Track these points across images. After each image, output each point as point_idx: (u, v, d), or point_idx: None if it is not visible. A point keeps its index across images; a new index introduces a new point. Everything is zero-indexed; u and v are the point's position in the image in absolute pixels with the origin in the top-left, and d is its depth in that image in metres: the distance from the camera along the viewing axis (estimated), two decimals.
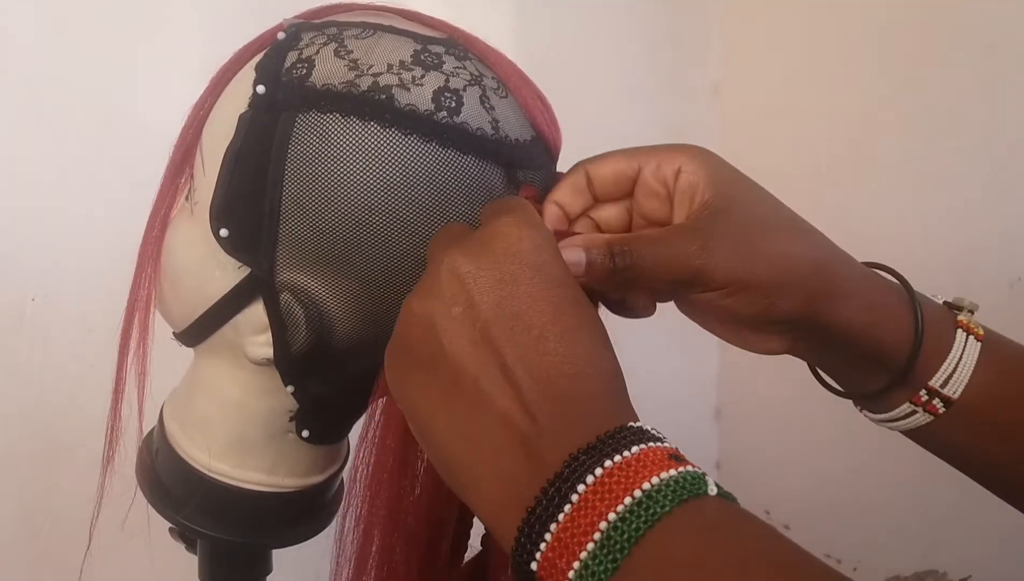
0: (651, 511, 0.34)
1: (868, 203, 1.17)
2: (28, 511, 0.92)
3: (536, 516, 0.36)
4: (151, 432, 0.59)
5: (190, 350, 0.57)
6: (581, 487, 0.35)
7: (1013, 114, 1.01)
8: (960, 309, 0.51)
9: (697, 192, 0.47)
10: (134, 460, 0.60)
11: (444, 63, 0.49)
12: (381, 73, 0.47)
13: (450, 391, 0.40)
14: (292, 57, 0.49)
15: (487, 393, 0.39)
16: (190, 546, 0.60)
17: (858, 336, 0.48)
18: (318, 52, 0.48)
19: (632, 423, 0.38)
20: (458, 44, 0.51)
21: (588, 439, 0.37)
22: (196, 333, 0.53)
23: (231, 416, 0.54)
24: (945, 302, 0.52)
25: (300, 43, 0.49)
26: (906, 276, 0.53)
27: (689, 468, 0.36)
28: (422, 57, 0.48)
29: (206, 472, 0.55)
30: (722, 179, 0.47)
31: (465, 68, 0.49)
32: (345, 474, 0.54)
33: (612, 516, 0.34)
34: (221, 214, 0.49)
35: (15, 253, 0.90)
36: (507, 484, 0.38)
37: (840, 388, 0.53)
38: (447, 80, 0.48)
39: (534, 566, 0.36)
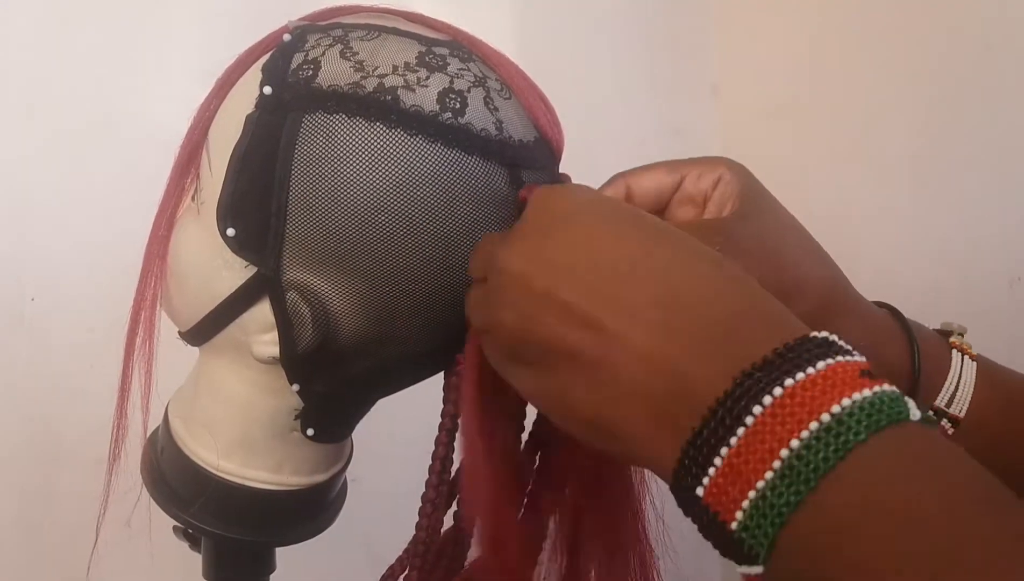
0: (842, 438, 0.30)
1: (868, 203, 1.17)
2: (28, 511, 0.92)
3: (703, 440, 0.32)
4: (156, 431, 0.60)
5: (195, 349, 0.57)
6: (757, 408, 0.31)
7: (1013, 114, 1.01)
8: (950, 333, 0.53)
9: (729, 201, 0.48)
10: (139, 459, 0.60)
11: (448, 65, 0.49)
12: (386, 75, 0.48)
13: (573, 373, 0.37)
14: (298, 58, 0.49)
15: (608, 359, 0.35)
16: (194, 545, 0.60)
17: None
18: (324, 53, 0.49)
19: (815, 334, 0.33)
20: (462, 46, 0.51)
21: (762, 352, 0.32)
22: (202, 332, 0.53)
23: (236, 415, 0.55)
24: (935, 330, 0.54)
25: (306, 45, 0.49)
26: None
27: (886, 388, 0.31)
28: (427, 59, 0.49)
29: (211, 470, 0.55)
30: (753, 193, 0.49)
31: (469, 70, 0.49)
32: None
33: (795, 443, 0.30)
34: (228, 214, 0.49)
35: (15, 253, 0.90)
36: (663, 424, 0.34)
37: None
38: (451, 81, 0.48)
39: (700, 492, 0.32)
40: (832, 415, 0.30)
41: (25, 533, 0.92)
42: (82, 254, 0.92)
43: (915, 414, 0.31)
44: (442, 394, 0.53)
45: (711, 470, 0.32)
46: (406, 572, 0.54)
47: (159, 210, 0.55)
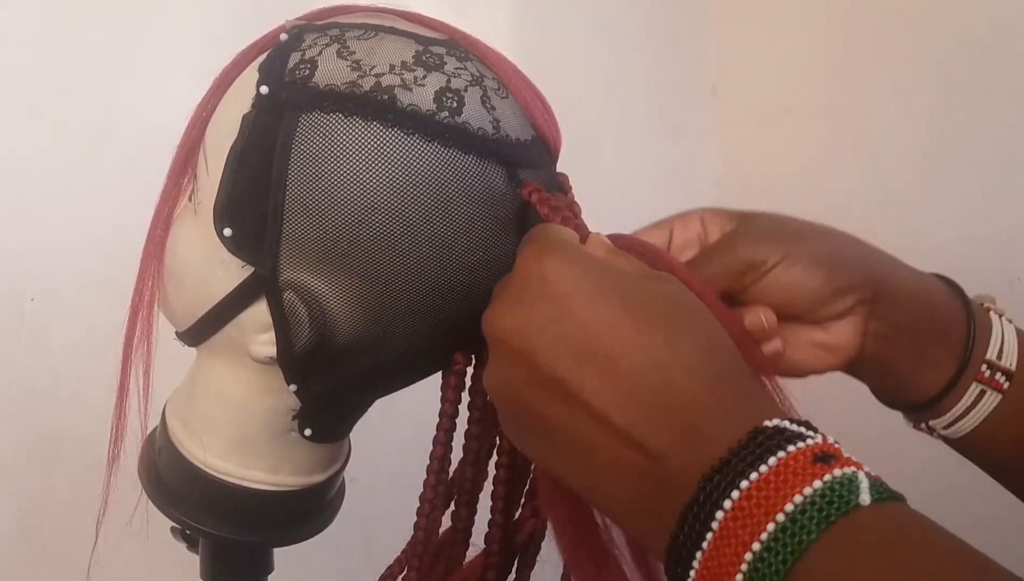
0: (797, 538, 0.31)
1: (867, 203, 1.17)
2: (27, 511, 0.92)
3: (680, 543, 0.34)
4: (154, 431, 0.60)
5: (192, 349, 0.57)
6: (720, 513, 0.33)
7: (1013, 114, 1.01)
8: (982, 302, 0.55)
9: (724, 224, 0.51)
10: (137, 459, 0.60)
11: (445, 64, 0.49)
12: (383, 74, 0.48)
13: (557, 446, 0.38)
14: (295, 58, 0.49)
15: (588, 440, 0.37)
16: (192, 545, 0.60)
17: (919, 304, 0.52)
18: (321, 53, 0.49)
19: (766, 423, 0.34)
20: (459, 45, 0.51)
21: (719, 453, 0.34)
22: (199, 332, 0.53)
23: (233, 415, 0.54)
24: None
25: (303, 44, 0.49)
26: None
27: (836, 472, 0.32)
28: (424, 58, 0.49)
29: (209, 471, 0.55)
30: (739, 214, 0.51)
31: (466, 69, 0.49)
32: None
33: (757, 546, 0.32)
34: (224, 213, 0.49)
35: (15, 252, 0.90)
36: (646, 516, 0.36)
37: (903, 403, 0.55)
38: (448, 81, 0.48)
39: None
40: (786, 514, 0.32)
41: (25, 534, 0.92)
42: (82, 254, 0.92)
43: (864, 499, 0.32)
44: (440, 393, 0.53)
45: (692, 573, 0.33)
46: (404, 572, 0.54)
47: (156, 210, 0.54)
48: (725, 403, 0.36)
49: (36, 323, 0.91)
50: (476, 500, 0.54)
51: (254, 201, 0.48)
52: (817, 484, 0.32)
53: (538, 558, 0.54)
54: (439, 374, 0.53)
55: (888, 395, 0.56)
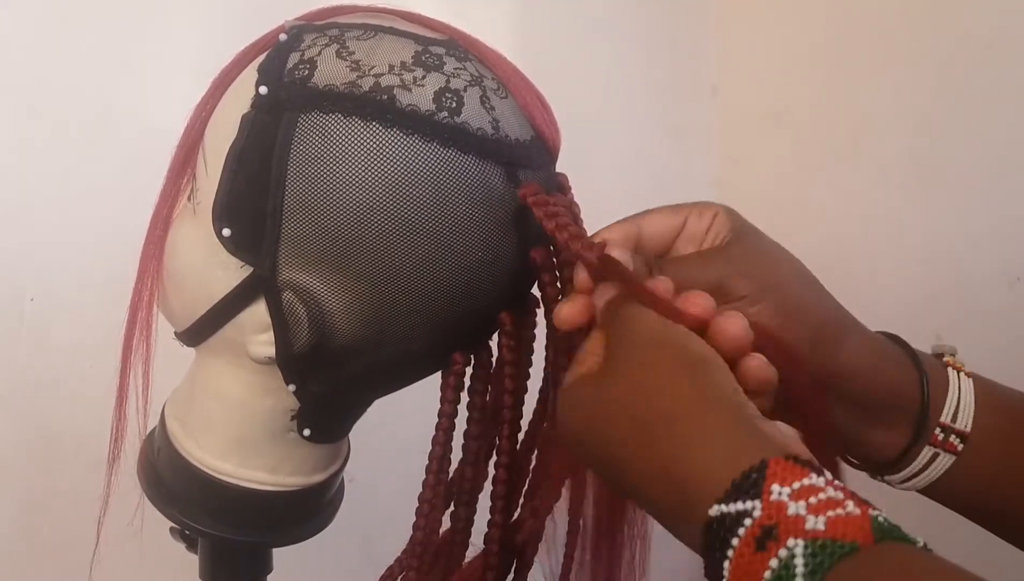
0: None
1: (867, 203, 1.17)
2: (27, 511, 0.92)
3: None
4: (153, 431, 0.60)
5: (192, 350, 0.57)
6: (726, 564, 0.34)
7: (1013, 114, 1.01)
8: (942, 354, 0.54)
9: (721, 234, 0.51)
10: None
11: (445, 64, 0.49)
12: (383, 74, 0.48)
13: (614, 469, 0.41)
14: (294, 58, 0.49)
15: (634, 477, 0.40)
16: (191, 546, 0.60)
17: (869, 373, 0.51)
18: (320, 53, 0.49)
19: (710, 512, 0.35)
20: (458, 45, 0.51)
21: (698, 529, 0.35)
22: (198, 332, 0.53)
23: (233, 415, 0.54)
24: (932, 352, 0.55)
25: (302, 44, 0.49)
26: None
27: (773, 564, 0.33)
28: (423, 58, 0.49)
29: (208, 471, 0.55)
30: (744, 225, 0.51)
31: (465, 69, 0.49)
32: None
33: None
34: (224, 214, 0.49)
35: (15, 253, 0.90)
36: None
37: (859, 463, 0.55)
38: (448, 81, 0.48)
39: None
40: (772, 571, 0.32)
41: (25, 534, 0.92)
42: (81, 254, 0.92)
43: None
44: (439, 394, 0.53)
45: None
46: (404, 572, 0.54)
47: (155, 211, 0.55)
48: (679, 479, 0.37)
49: (36, 323, 0.91)
50: (476, 500, 0.54)
51: (253, 201, 0.48)
52: (773, 562, 0.32)
53: (536, 558, 0.54)
54: (439, 374, 0.53)
55: (839, 452, 0.55)
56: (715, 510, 0.35)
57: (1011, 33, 1.01)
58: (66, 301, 0.92)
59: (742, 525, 0.34)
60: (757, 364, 0.42)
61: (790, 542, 0.32)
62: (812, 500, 0.33)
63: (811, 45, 1.26)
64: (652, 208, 0.53)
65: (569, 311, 0.46)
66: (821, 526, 0.32)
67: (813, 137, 1.25)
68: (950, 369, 0.53)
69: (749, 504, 0.34)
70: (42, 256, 0.91)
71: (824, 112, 1.24)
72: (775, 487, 0.34)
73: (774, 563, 0.32)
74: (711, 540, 0.35)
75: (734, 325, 0.42)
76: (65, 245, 0.92)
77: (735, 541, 0.34)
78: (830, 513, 0.33)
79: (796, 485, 0.34)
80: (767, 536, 0.33)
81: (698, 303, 0.43)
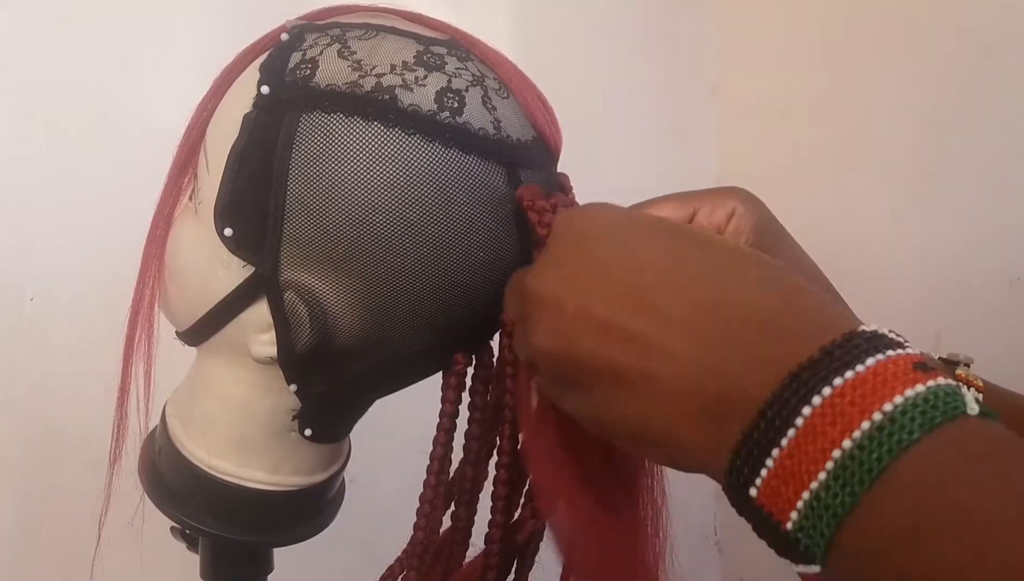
0: (895, 437, 0.29)
1: (867, 203, 1.17)
2: (28, 511, 0.92)
3: (754, 441, 0.32)
4: (153, 431, 0.60)
5: (193, 349, 0.57)
6: (807, 409, 0.31)
7: (1013, 114, 1.01)
8: (956, 363, 0.52)
9: (743, 235, 0.49)
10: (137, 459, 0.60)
11: (446, 64, 0.49)
12: (384, 74, 0.48)
13: (619, 392, 0.36)
14: (296, 58, 0.49)
15: (651, 374, 0.35)
16: (191, 545, 0.60)
17: None
18: (322, 53, 0.49)
19: (863, 327, 0.33)
20: (460, 45, 0.51)
21: (808, 353, 0.32)
22: (199, 332, 0.53)
23: (234, 415, 0.54)
24: (941, 358, 0.53)
25: (304, 44, 0.49)
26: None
27: (940, 382, 0.31)
28: (425, 58, 0.49)
29: (208, 471, 0.55)
30: (768, 227, 0.49)
31: (467, 69, 0.49)
32: None
33: (847, 443, 0.30)
34: (225, 213, 0.49)
35: (15, 253, 0.90)
36: (711, 425, 0.34)
37: None
38: (449, 81, 0.48)
39: (753, 492, 0.32)
40: (884, 413, 0.30)
41: (25, 533, 0.92)
42: (82, 254, 0.92)
43: (972, 408, 0.30)
44: (440, 394, 0.53)
45: (763, 471, 0.32)
46: (404, 572, 0.54)
47: (157, 210, 0.54)
48: (810, 310, 0.34)
49: (36, 323, 0.91)
50: (476, 500, 0.54)
51: (255, 201, 0.48)
52: (920, 388, 0.30)
53: (537, 559, 0.54)
54: (439, 374, 0.53)
55: None
56: (870, 327, 0.32)
57: (1012, 32, 1.02)
58: (66, 301, 0.92)
59: (903, 348, 0.31)
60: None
61: (951, 381, 0.30)
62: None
63: (811, 45, 1.27)
64: (657, 197, 0.51)
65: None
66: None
67: (813, 137, 1.26)
68: (959, 384, 0.52)
69: (906, 343, 0.32)
70: (42, 256, 0.92)
71: (824, 112, 1.24)
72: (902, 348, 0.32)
73: (941, 381, 0.30)
74: (853, 344, 0.31)
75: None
76: (65, 245, 0.92)
77: (891, 353, 0.31)
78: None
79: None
80: (926, 368, 0.31)
81: None
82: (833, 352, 0.32)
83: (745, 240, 0.49)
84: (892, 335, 0.32)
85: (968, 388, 0.50)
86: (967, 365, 0.52)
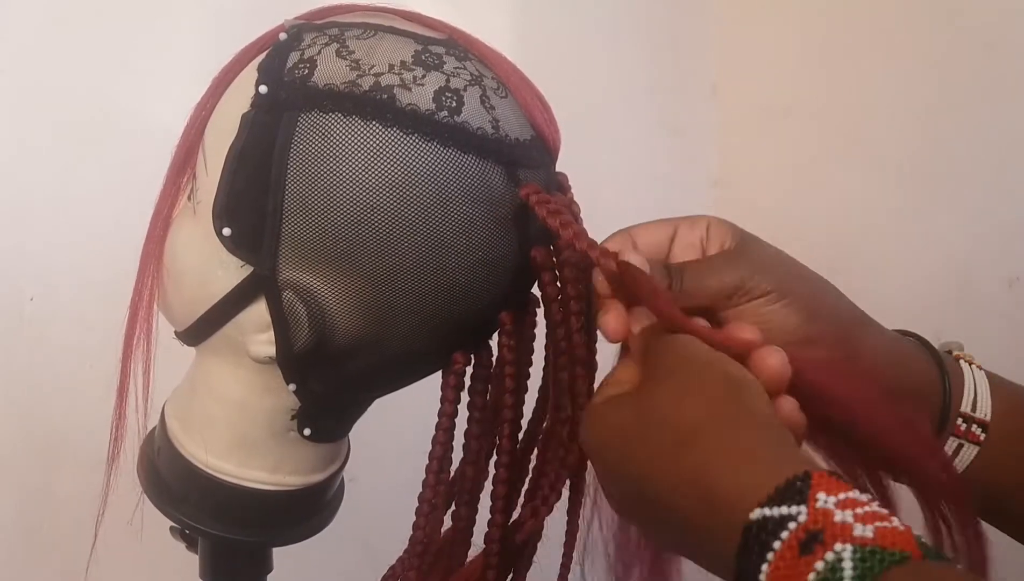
0: None
1: (867, 203, 1.17)
2: (27, 511, 0.92)
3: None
4: (152, 431, 0.60)
5: (192, 349, 0.57)
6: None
7: (1013, 114, 1.01)
8: (950, 351, 0.55)
9: (726, 240, 0.51)
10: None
11: (445, 63, 0.49)
12: (382, 73, 0.48)
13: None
14: (294, 57, 0.49)
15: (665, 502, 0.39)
16: (190, 545, 0.60)
17: (893, 369, 0.51)
18: (320, 52, 0.49)
19: (751, 516, 0.35)
20: (458, 45, 0.51)
21: (732, 551, 0.35)
22: (198, 332, 0.53)
23: (233, 415, 0.54)
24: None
25: (302, 44, 0.49)
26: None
27: (819, 566, 0.32)
28: (423, 57, 0.49)
29: (208, 470, 0.55)
30: (744, 234, 0.51)
31: (465, 68, 0.49)
32: None
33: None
34: (224, 213, 0.49)
35: (15, 253, 0.90)
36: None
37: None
38: (448, 80, 0.48)
39: None
40: None
41: (24, 533, 0.92)
42: (81, 254, 0.92)
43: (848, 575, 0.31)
44: (440, 393, 0.53)
45: None
46: (405, 572, 0.54)
47: (155, 210, 0.55)
48: (709, 497, 0.37)
49: (36, 323, 0.91)
50: (476, 500, 0.54)
51: (253, 201, 0.48)
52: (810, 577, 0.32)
53: (535, 559, 0.54)
54: (439, 374, 0.53)
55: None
56: (757, 513, 0.34)
57: (1012, 32, 1.02)
58: (66, 301, 0.92)
59: (785, 529, 0.33)
60: (790, 408, 0.42)
61: (837, 546, 0.32)
62: (858, 511, 0.33)
63: (811, 44, 1.27)
64: (639, 223, 0.53)
65: (615, 324, 0.46)
66: (870, 534, 0.32)
67: (813, 136, 1.26)
68: (962, 361, 0.53)
69: (794, 509, 0.34)
70: (42, 256, 0.91)
71: (824, 111, 1.24)
72: (821, 495, 0.34)
73: (820, 565, 0.32)
74: (748, 544, 0.34)
75: (775, 358, 0.42)
76: (65, 245, 0.92)
77: (777, 544, 0.33)
78: (877, 524, 0.33)
79: (841, 496, 0.34)
80: (813, 540, 0.33)
81: (745, 330, 0.43)
82: (744, 556, 0.34)
83: (730, 240, 0.51)
84: (775, 512, 0.34)
85: (971, 365, 0.53)
86: (960, 349, 0.55)
